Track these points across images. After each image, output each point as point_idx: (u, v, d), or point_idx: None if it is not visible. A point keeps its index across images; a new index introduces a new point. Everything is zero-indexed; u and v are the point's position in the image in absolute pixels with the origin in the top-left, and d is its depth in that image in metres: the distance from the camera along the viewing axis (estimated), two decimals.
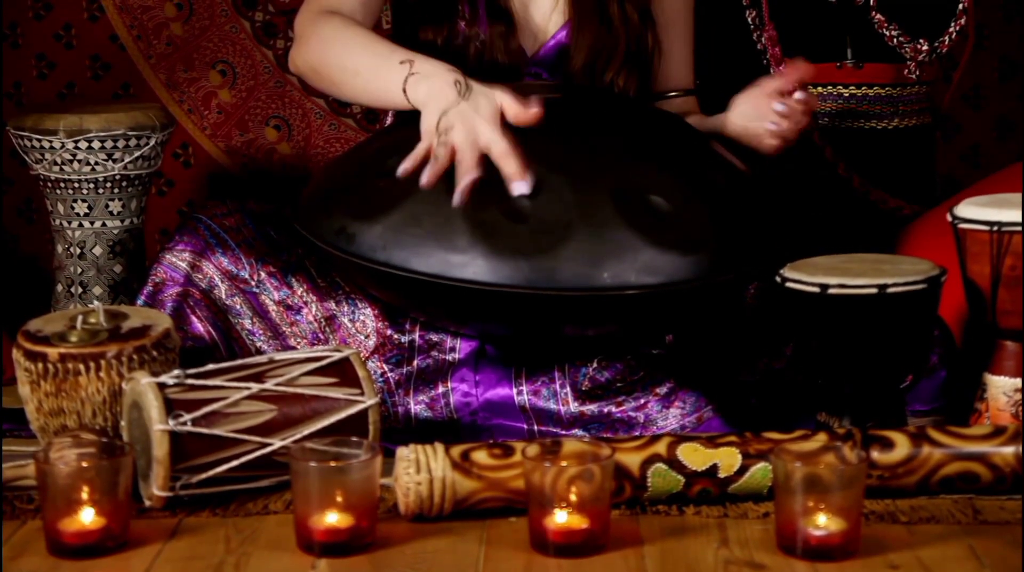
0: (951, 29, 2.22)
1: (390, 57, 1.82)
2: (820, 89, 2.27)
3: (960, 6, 2.21)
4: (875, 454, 1.57)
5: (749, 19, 2.31)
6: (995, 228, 1.70)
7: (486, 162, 1.73)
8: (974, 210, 1.74)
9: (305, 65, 1.91)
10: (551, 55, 2.02)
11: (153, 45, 2.61)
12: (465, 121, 1.73)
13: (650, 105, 2.05)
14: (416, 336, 1.88)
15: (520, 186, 1.72)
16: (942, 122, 2.44)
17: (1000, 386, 1.74)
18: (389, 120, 2.08)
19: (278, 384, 1.62)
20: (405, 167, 1.75)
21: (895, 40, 2.21)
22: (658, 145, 1.85)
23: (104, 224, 2.33)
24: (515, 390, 1.84)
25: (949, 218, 1.76)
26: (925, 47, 2.21)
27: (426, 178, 1.73)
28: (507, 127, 1.75)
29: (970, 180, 2.48)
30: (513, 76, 1.99)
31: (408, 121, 1.83)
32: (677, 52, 2.12)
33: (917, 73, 2.23)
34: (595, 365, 1.83)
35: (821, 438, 1.57)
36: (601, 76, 2.00)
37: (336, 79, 1.89)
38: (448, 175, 1.74)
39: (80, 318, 1.68)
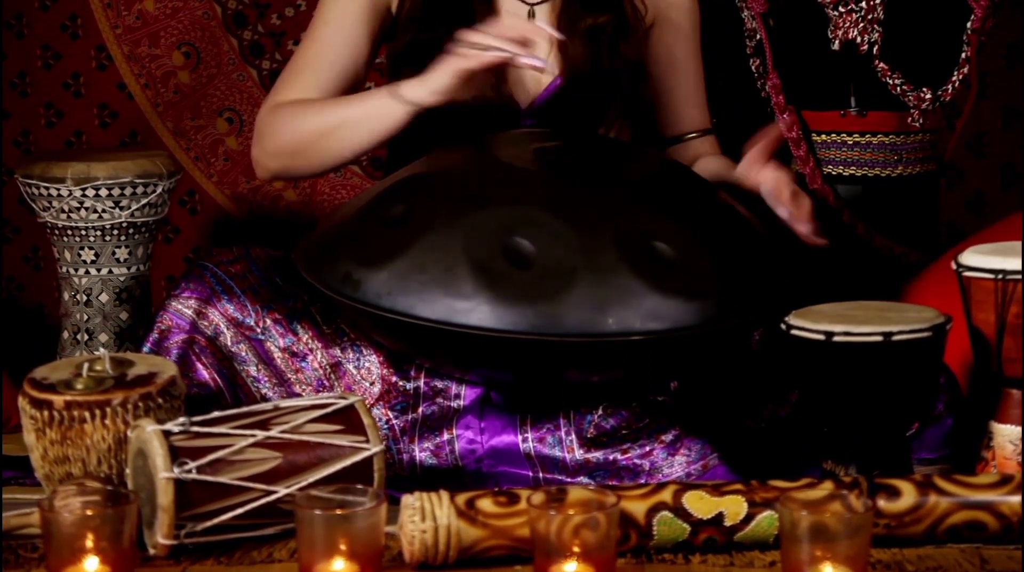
0: (954, 78, 2.23)
1: (365, 97, 1.93)
2: (824, 137, 2.28)
3: (963, 55, 2.22)
4: (881, 503, 1.57)
5: (753, 67, 2.32)
6: (1000, 276, 1.70)
7: (490, 202, 1.74)
8: (978, 258, 1.74)
9: (277, 154, 1.97)
10: (544, 106, 2.03)
11: (161, 93, 2.62)
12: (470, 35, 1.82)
13: (651, 150, 2.06)
14: (421, 383, 1.88)
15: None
16: (946, 170, 2.45)
17: (1006, 435, 1.73)
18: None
19: (283, 431, 1.61)
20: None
21: (898, 88, 2.22)
22: (661, 191, 1.86)
23: (111, 271, 2.34)
24: (520, 437, 1.83)
25: (953, 266, 1.76)
26: (928, 95, 2.22)
27: (478, 61, 1.82)
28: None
29: (974, 228, 2.48)
30: (508, 126, 2.00)
31: (410, 165, 1.84)
32: (689, 94, 2.13)
33: (920, 121, 2.24)
34: (600, 412, 1.83)
35: (827, 486, 1.57)
36: (594, 130, 2.02)
37: (317, 145, 1.94)
38: (453, 221, 1.74)
39: (86, 366, 1.69)
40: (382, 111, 1.89)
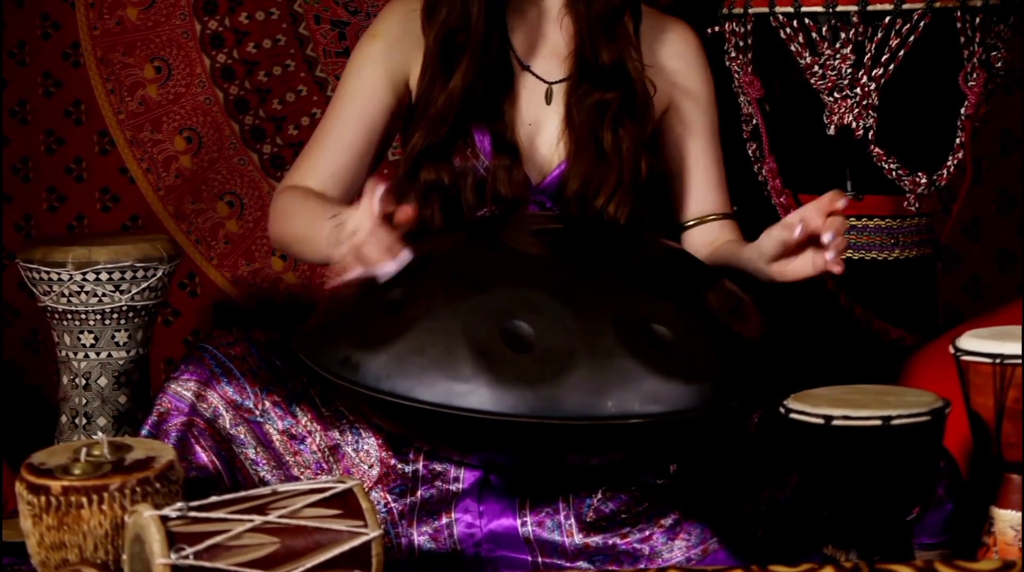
0: (949, 162, 2.25)
1: (322, 216, 1.90)
2: None
3: (957, 140, 2.24)
4: None
5: (749, 151, 2.35)
6: (998, 361, 1.70)
7: (489, 285, 1.75)
8: (976, 342, 1.74)
9: (272, 236, 2.07)
10: (555, 184, 2.05)
11: (162, 177, 2.64)
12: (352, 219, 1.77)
13: (649, 234, 2.07)
14: (420, 466, 1.88)
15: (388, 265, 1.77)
16: (943, 253, 2.46)
17: (1007, 520, 1.73)
18: None
19: (281, 516, 1.61)
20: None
21: (894, 173, 2.23)
22: (660, 274, 1.86)
23: (110, 355, 2.34)
24: (519, 521, 1.83)
25: (952, 350, 1.76)
26: (924, 180, 2.24)
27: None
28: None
29: (972, 311, 2.49)
30: (517, 206, 2.02)
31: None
32: (708, 176, 2.14)
33: (916, 205, 2.25)
34: (599, 496, 1.83)
35: None
36: (592, 203, 2.03)
37: (291, 249, 2.05)
38: (452, 303, 1.75)
39: (84, 450, 1.68)
40: (323, 245, 1.86)
